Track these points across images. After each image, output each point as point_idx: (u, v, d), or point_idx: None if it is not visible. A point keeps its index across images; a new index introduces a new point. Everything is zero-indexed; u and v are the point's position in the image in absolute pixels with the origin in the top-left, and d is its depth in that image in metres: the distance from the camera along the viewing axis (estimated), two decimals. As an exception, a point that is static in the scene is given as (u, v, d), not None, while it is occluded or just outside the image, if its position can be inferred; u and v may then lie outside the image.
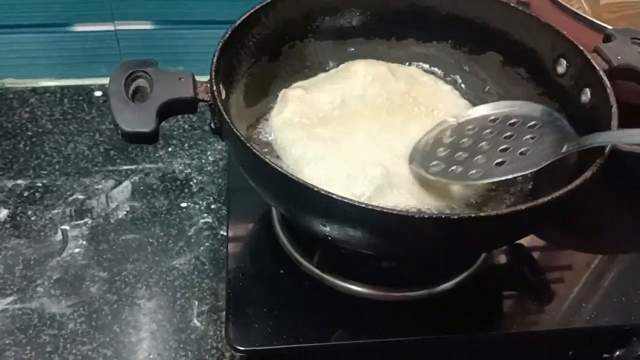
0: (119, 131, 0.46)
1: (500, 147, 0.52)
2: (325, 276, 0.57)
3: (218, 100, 0.48)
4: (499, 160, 0.51)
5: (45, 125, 0.84)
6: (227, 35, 0.54)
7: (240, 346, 0.53)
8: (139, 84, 0.50)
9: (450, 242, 0.46)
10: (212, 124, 0.49)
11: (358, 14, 0.66)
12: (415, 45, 0.68)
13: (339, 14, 0.65)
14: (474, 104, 0.63)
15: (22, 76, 0.89)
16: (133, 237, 0.72)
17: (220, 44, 0.53)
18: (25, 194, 0.76)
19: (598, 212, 0.69)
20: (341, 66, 0.64)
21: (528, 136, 0.52)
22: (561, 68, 0.58)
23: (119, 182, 0.78)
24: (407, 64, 0.67)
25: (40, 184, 0.77)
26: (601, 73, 0.53)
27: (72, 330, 0.64)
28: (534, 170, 0.49)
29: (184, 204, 0.77)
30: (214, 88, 0.49)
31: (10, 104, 0.87)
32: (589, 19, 0.64)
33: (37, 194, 0.76)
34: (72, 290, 0.67)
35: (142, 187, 0.78)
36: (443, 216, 0.43)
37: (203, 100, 0.49)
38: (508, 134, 0.53)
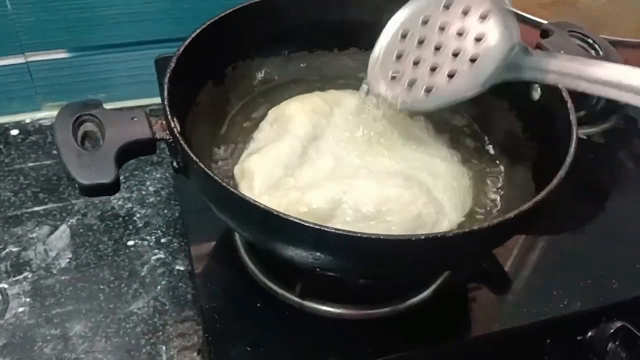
0: (77, 185, 0.41)
1: (452, 50, 0.52)
2: (306, 303, 0.55)
3: (180, 138, 0.45)
4: (450, 70, 0.52)
5: (-42, 173, 0.77)
6: (173, 65, 0.51)
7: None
8: (87, 129, 0.46)
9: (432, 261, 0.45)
10: (174, 163, 0.46)
11: (296, 29, 0.64)
12: (359, 53, 0.67)
13: (278, 31, 0.63)
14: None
15: None
16: (81, 286, 0.67)
17: (168, 74, 0.50)
18: (-51, 254, 0.68)
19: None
20: (271, 114, 0.60)
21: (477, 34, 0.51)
22: None
23: (55, 228, 0.72)
24: (355, 74, 0.66)
25: (-36, 241, 0.69)
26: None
27: (32, 400, 0.58)
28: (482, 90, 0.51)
29: (130, 242, 0.72)
30: (172, 125, 0.46)
31: None
32: (524, 16, 0.66)
33: (-37, 253, 0.68)
34: (25, 355, 0.61)
35: (81, 230, 0.72)
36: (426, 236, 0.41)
37: (162, 139, 0.46)
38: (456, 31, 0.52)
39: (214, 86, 0.59)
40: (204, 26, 0.55)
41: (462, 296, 0.58)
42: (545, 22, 0.63)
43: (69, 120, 0.45)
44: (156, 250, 0.71)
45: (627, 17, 0.78)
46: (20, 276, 0.67)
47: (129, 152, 0.45)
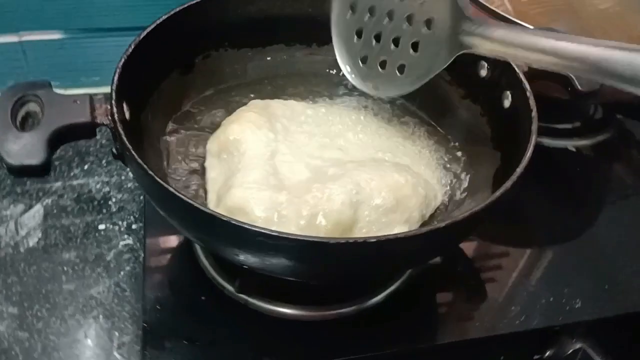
0: (5, 165, 0.41)
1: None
2: (251, 300, 0.54)
3: (119, 124, 0.44)
4: (399, 64, 0.53)
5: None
6: (130, 50, 0.50)
7: (160, 383, 0.49)
8: (30, 109, 0.45)
9: (365, 264, 0.43)
10: (113, 149, 0.45)
11: (276, 21, 0.62)
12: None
13: (255, 21, 0.62)
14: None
15: None
16: (46, 266, 0.67)
17: (123, 60, 0.49)
18: None
19: (527, 207, 0.69)
20: (212, 146, 0.55)
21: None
22: (483, 71, 0.57)
23: (30, 207, 0.73)
24: (327, 70, 0.65)
25: (-61, 214, 0.70)
26: (521, 75, 0.52)
27: (-21, 375, 0.58)
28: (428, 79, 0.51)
29: (102, 226, 0.72)
30: (114, 110, 0.45)
31: None
32: (509, 19, 0.63)
33: None
34: (-22, 330, 0.61)
35: (55, 210, 0.73)
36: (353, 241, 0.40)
37: (102, 124, 0.45)
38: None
39: (181, 75, 0.59)
40: (170, 13, 0.55)
41: (416, 301, 0.56)
42: (530, 27, 0.61)
43: (10, 99, 0.45)
44: (125, 236, 0.71)
45: (631, 24, 0.74)
46: (-14, 252, 0.68)
47: (65, 135, 0.44)
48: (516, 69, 0.53)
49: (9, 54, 0.82)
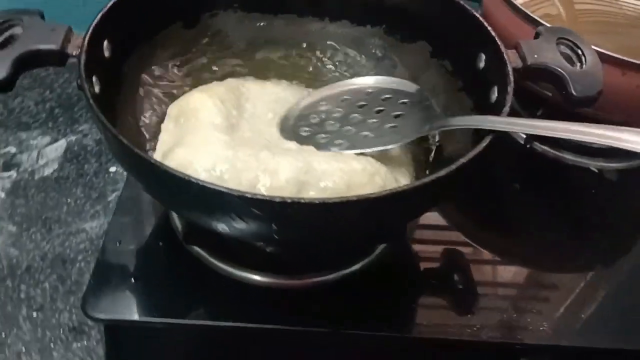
0: (-31, 75, 0.44)
1: (370, 121, 0.53)
2: (201, 253, 0.54)
3: (83, 56, 0.46)
4: (365, 133, 0.52)
5: None
6: (124, -8, 0.52)
7: (97, 315, 0.51)
8: (14, 32, 0.48)
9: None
10: (77, 81, 0.47)
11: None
12: (350, 27, 0.63)
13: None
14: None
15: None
16: (53, 196, 0.72)
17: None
18: (-39, 142, 0.76)
19: (528, 221, 0.64)
20: (173, 110, 0.53)
21: (397, 112, 0.52)
22: (482, 63, 0.53)
23: (55, 140, 0.78)
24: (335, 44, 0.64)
25: (-23, 134, 0.77)
26: (509, 70, 0.48)
27: (-34, 279, 0.63)
28: (395, 145, 0.51)
29: (112, 169, 0.75)
30: (85, 42, 0.47)
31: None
32: (528, 14, 0.59)
33: (-29, 143, 0.76)
34: (-23, 241, 0.66)
35: (76, 148, 0.77)
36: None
37: (70, 55, 0.47)
38: (379, 108, 0.53)
39: (184, 29, 0.60)
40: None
41: (388, 280, 0.54)
42: (546, 24, 0.56)
43: (-5, 20, 0.48)
44: (130, 181, 0.74)
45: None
46: (6, 173, 0.73)
47: (33, 59, 0.47)
48: (507, 63, 0.49)
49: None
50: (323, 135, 0.52)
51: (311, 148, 0.51)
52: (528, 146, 0.67)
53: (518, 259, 0.60)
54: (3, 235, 0.67)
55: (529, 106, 0.68)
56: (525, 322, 0.53)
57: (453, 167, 0.41)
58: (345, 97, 0.55)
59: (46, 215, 0.69)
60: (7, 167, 0.74)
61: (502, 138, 0.45)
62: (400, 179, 0.51)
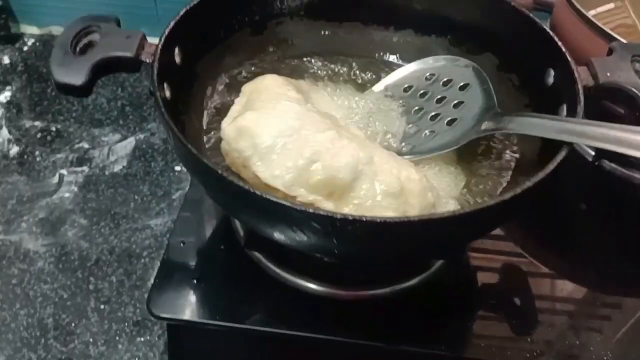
0: (53, 80, 0.47)
1: (431, 114, 0.54)
2: (262, 259, 0.55)
3: (156, 64, 0.48)
4: (426, 131, 0.53)
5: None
6: (195, 2, 0.53)
7: (160, 313, 0.53)
8: (93, 39, 0.51)
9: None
10: (150, 88, 0.49)
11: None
12: (414, 36, 0.63)
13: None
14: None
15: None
16: (121, 192, 0.75)
17: (186, 8, 0.52)
18: (39, 135, 0.80)
19: (593, 242, 0.62)
20: (246, 89, 0.53)
21: (457, 100, 0.53)
22: (550, 79, 0.52)
23: (125, 137, 0.81)
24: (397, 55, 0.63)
25: (54, 128, 0.81)
26: (580, 89, 0.47)
27: (40, 269, 0.67)
28: (454, 148, 0.51)
29: (177, 168, 0.78)
30: (158, 50, 0.49)
31: (51, 49, 0.92)
32: (601, 27, 0.56)
33: (48, 137, 0.80)
34: (51, 231, 0.70)
35: (144, 146, 0.80)
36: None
37: (144, 62, 0.49)
38: (440, 96, 0.55)
39: (252, 35, 0.61)
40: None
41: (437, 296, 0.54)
42: (621, 39, 0.54)
43: (76, 27, 0.50)
44: (195, 181, 0.76)
45: None
46: (79, 168, 0.77)
47: (110, 65, 0.49)
48: (578, 81, 0.48)
49: (143, 1, 0.91)
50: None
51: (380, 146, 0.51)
52: (596, 163, 0.65)
53: (580, 281, 0.58)
54: (76, 228, 0.70)
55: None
56: (586, 351, 0.51)
57: (519, 190, 0.40)
58: (406, 85, 0.57)
59: (115, 211, 0.72)
60: (80, 162, 0.77)
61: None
62: (448, 203, 0.50)
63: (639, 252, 0.61)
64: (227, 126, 0.48)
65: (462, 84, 0.55)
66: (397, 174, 0.46)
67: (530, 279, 0.59)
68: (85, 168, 0.77)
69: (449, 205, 0.50)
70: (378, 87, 0.59)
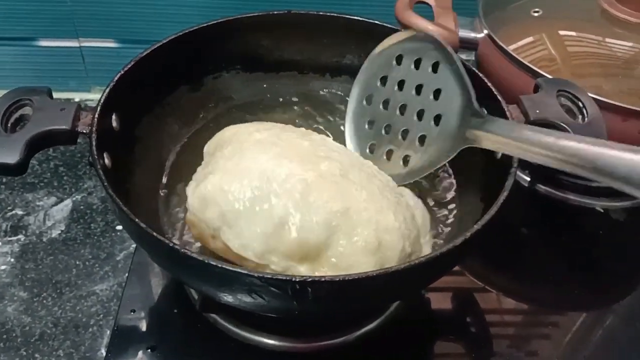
0: (-18, 161, 0.45)
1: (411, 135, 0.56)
2: (218, 320, 0.54)
3: (94, 135, 0.47)
4: (405, 155, 0.56)
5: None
6: (129, 66, 0.53)
7: (116, 388, 0.51)
8: (24, 112, 0.49)
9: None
10: (89, 158, 0.48)
11: (292, 48, 0.63)
12: (350, 82, 0.64)
13: (273, 45, 0.63)
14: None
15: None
16: (61, 258, 0.72)
17: (120, 74, 0.52)
18: (-32, 206, 0.76)
19: (541, 264, 0.65)
20: (211, 145, 0.53)
21: (437, 112, 0.54)
22: None
23: (61, 200, 0.78)
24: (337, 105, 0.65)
25: (-16, 197, 0.77)
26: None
27: (-21, 349, 0.63)
28: (441, 164, 0.53)
29: (119, 227, 0.75)
30: (95, 119, 0.48)
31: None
32: (526, 65, 0.60)
33: (-22, 207, 0.76)
34: (-12, 309, 0.66)
35: (82, 207, 0.77)
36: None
37: (82, 133, 0.48)
38: (420, 108, 0.56)
39: (189, 92, 0.61)
40: (185, 31, 0.57)
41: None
42: (546, 75, 0.57)
43: (4, 102, 0.48)
44: (139, 239, 0.74)
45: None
46: (14, 237, 0.73)
47: (45, 139, 0.47)
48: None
49: (71, 57, 0.89)
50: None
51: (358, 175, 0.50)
52: (533, 188, 0.68)
53: (528, 301, 0.61)
54: (15, 302, 0.67)
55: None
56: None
57: (476, 227, 0.41)
58: (383, 74, 0.58)
59: (56, 279, 0.69)
60: (15, 230, 0.74)
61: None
62: (424, 247, 0.51)
63: (578, 270, 0.64)
64: (191, 196, 0.47)
65: (433, 62, 0.55)
66: (376, 226, 0.45)
67: (480, 302, 0.61)
68: (21, 236, 0.73)
69: (425, 244, 0.50)
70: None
